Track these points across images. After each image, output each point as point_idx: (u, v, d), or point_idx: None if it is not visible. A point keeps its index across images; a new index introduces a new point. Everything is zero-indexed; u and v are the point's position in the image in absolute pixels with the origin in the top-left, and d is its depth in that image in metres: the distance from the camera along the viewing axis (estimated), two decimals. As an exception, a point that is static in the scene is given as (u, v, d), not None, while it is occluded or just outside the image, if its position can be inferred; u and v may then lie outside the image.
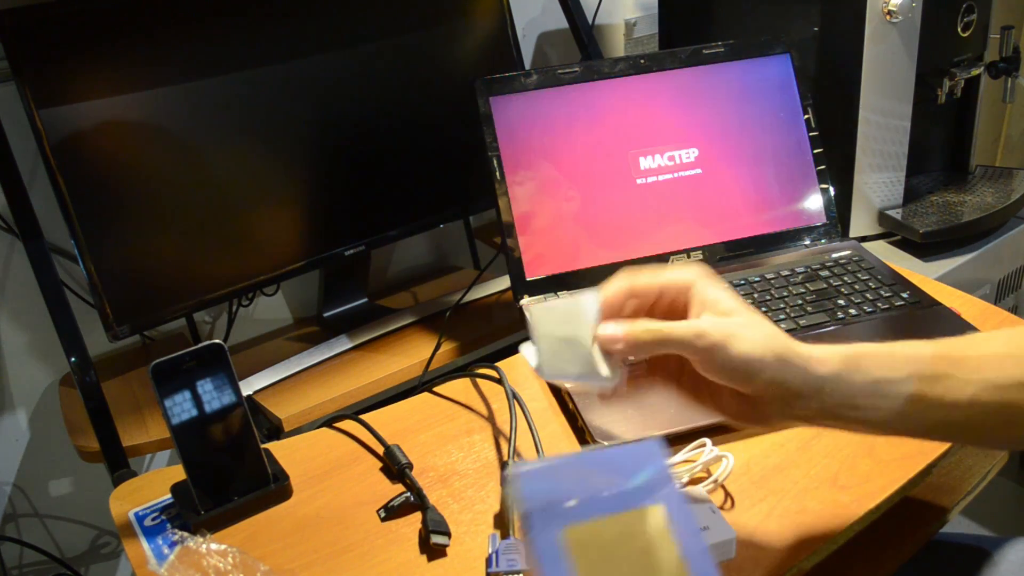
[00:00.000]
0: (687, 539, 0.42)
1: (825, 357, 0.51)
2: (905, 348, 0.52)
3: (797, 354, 0.51)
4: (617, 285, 0.53)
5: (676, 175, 0.92)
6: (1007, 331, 0.54)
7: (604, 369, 0.52)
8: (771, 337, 0.51)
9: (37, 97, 0.81)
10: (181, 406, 0.64)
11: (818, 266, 0.90)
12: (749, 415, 0.54)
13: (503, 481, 0.51)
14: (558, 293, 0.88)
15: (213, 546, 0.61)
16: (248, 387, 0.94)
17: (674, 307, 0.54)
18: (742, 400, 0.53)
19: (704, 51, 0.94)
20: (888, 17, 0.98)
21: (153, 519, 0.68)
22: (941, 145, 1.21)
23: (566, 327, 0.54)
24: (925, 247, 1.05)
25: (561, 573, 0.40)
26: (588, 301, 0.53)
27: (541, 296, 0.87)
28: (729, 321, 0.51)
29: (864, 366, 0.51)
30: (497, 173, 0.87)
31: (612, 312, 0.53)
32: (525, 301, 0.87)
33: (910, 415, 0.51)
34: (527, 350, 0.56)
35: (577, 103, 0.91)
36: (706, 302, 0.52)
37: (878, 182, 1.07)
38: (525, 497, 0.42)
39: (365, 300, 1.13)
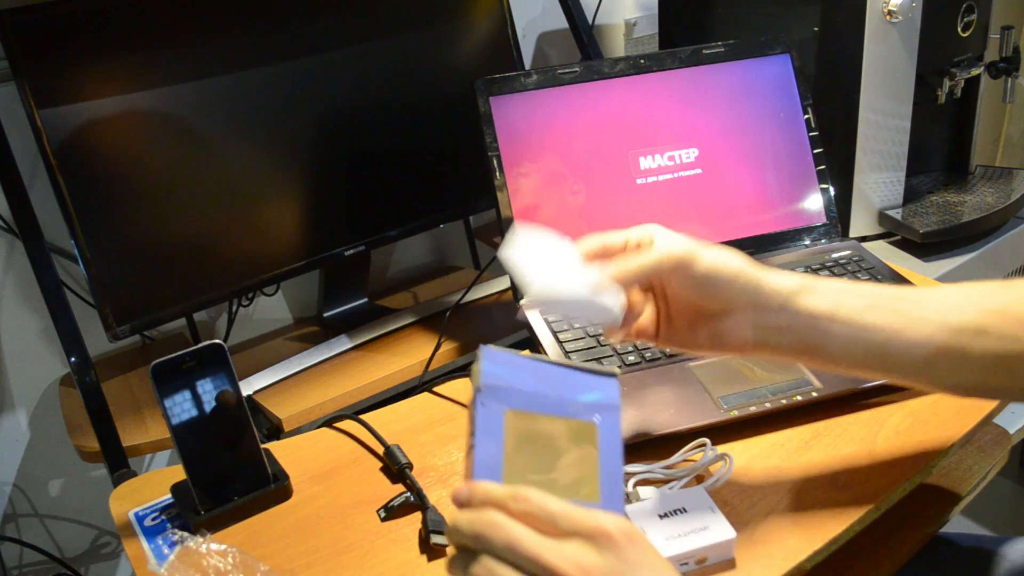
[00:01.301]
0: (607, 460, 0.47)
1: (783, 278, 0.57)
2: (866, 285, 0.56)
3: (756, 269, 0.57)
4: (590, 241, 0.59)
5: (676, 175, 0.92)
6: (970, 284, 0.56)
7: (610, 296, 0.55)
8: (731, 254, 0.57)
9: (37, 97, 0.81)
10: (181, 406, 0.64)
11: (818, 266, 0.90)
12: (726, 341, 0.58)
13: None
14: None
15: (213, 546, 0.61)
16: (248, 387, 0.94)
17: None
18: (717, 328, 0.58)
19: (704, 51, 0.94)
20: (888, 17, 0.98)
21: (153, 519, 0.68)
22: (941, 145, 1.21)
23: (555, 259, 0.57)
24: (925, 247, 1.05)
25: (494, 443, 0.45)
26: (565, 242, 0.57)
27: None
28: (690, 244, 0.57)
29: (821, 290, 0.56)
30: (497, 173, 0.87)
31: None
32: (525, 302, 0.87)
33: (870, 344, 0.54)
34: (513, 257, 0.57)
35: (577, 103, 0.91)
36: (667, 241, 0.58)
37: (878, 182, 1.07)
38: (484, 372, 0.47)
39: (365, 300, 1.13)
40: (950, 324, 0.53)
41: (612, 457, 0.47)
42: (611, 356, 0.78)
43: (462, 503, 0.44)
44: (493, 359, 0.48)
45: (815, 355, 0.56)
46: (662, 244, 0.57)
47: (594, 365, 0.52)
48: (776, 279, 0.57)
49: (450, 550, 0.45)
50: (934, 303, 0.54)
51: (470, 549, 0.43)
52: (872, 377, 0.58)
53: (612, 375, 0.50)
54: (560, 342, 0.80)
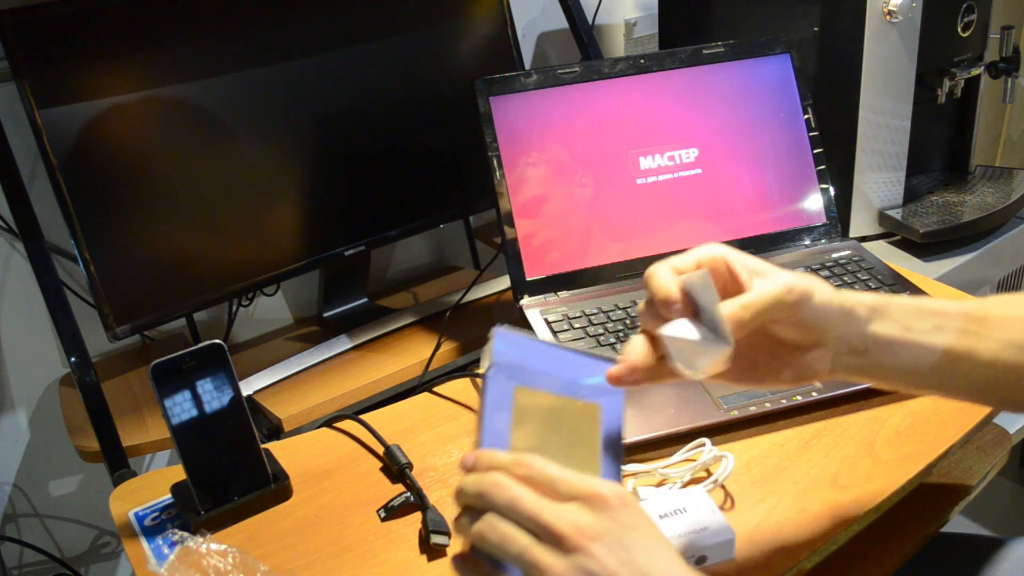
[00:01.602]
0: (608, 440, 0.50)
1: (859, 303, 0.53)
2: (931, 303, 0.54)
3: (841, 297, 0.52)
4: (667, 273, 0.52)
5: (676, 175, 0.92)
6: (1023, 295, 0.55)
7: (728, 335, 0.51)
8: (823, 283, 0.53)
9: (37, 97, 0.81)
10: (181, 406, 0.64)
11: (818, 266, 0.90)
12: (808, 373, 0.54)
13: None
14: (558, 293, 0.87)
15: (213, 546, 0.61)
16: (248, 387, 0.94)
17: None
18: (803, 360, 0.54)
19: (704, 51, 0.94)
20: (888, 17, 0.98)
21: (153, 519, 0.68)
22: (941, 145, 1.21)
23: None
24: (925, 247, 1.05)
25: (502, 416, 0.48)
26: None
27: (541, 296, 0.87)
28: (797, 276, 0.52)
29: (892, 311, 0.53)
30: (497, 173, 0.87)
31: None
32: (525, 301, 0.87)
33: (943, 369, 0.53)
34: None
35: (577, 103, 0.91)
36: (750, 268, 0.52)
37: (878, 182, 1.07)
38: (496, 351, 0.50)
39: (365, 300, 1.13)
40: (1015, 342, 0.52)
41: (612, 438, 0.50)
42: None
43: (468, 468, 0.46)
44: (506, 339, 0.51)
45: (881, 376, 0.55)
46: (765, 280, 0.51)
47: (600, 352, 0.54)
48: (855, 306, 0.53)
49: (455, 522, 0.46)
50: (998, 319, 0.53)
51: (475, 508, 0.45)
52: (932, 395, 0.57)
53: (611, 360, 0.52)
54: (560, 341, 0.80)
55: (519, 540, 0.43)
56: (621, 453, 0.50)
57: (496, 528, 0.44)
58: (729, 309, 0.50)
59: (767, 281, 0.51)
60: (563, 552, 0.42)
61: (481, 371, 0.51)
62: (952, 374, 0.53)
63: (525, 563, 0.43)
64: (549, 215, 0.89)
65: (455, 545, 0.62)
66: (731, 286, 0.52)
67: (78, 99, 0.83)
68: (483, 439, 0.47)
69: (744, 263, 0.52)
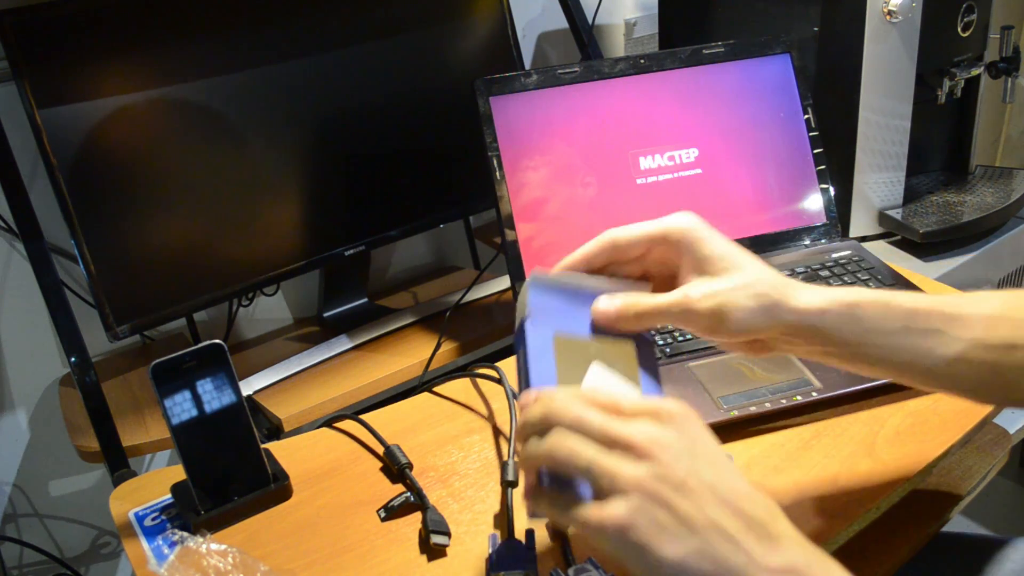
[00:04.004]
0: (647, 373, 0.52)
1: (822, 306, 0.53)
2: (902, 299, 0.54)
3: (792, 309, 0.53)
4: (598, 244, 0.56)
5: (676, 175, 0.92)
6: (1005, 293, 0.55)
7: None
8: (763, 297, 0.52)
9: (37, 97, 0.81)
10: (181, 406, 0.64)
11: (818, 266, 0.90)
12: (754, 349, 0.56)
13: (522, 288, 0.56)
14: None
15: (213, 546, 0.61)
16: (248, 387, 0.94)
17: (665, 261, 0.56)
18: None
19: (704, 51, 0.94)
20: (888, 17, 0.98)
21: (153, 519, 0.68)
22: (941, 145, 1.21)
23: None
24: (925, 247, 1.05)
25: (548, 363, 0.49)
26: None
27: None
28: (718, 287, 0.52)
29: (859, 314, 0.53)
30: (497, 173, 0.87)
31: (594, 269, 0.56)
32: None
33: (902, 362, 0.54)
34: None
35: (577, 103, 0.91)
36: (696, 262, 0.54)
37: (878, 182, 1.07)
38: (531, 302, 0.52)
39: (365, 300, 1.13)
40: (982, 341, 0.52)
41: (650, 370, 0.52)
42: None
43: (530, 403, 0.46)
44: (539, 288, 0.53)
45: (852, 366, 0.56)
46: (686, 286, 0.53)
47: (625, 280, 0.55)
48: (812, 321, 0.53)
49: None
50: (970, 317, 0.53)
51: (541, 434, 0.45)
52: (905, 384, 0.57)
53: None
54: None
55: (588, 450, 0.43)
56: (660, 384, 0.52)
57: (565, 442, 0.44)
58: (625, 303, 0.53)
59: (680, 293, 0.53)
60: (633, 459, 0.42)
61: (517, 320, 0.52)
62: (912, 370, 0.54)
63: (596, 473, 0.43)
64: (549, 215, 0.89)
65: (455, 545, 0.62)
66: (690, 265, 0.54)
67: (78, 99, 0.83)
68: (532, 383, 0.48)
69: (693, 255, 0.54)
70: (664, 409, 0.45)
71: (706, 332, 0.53)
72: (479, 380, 0.82)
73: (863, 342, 0.53)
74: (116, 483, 0.75)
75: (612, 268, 0.57)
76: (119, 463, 0.81)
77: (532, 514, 0.46)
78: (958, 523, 1.50)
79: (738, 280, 0.52)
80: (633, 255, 0.56)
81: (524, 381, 0.49)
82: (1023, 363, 0.52)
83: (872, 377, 0.65)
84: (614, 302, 0.53)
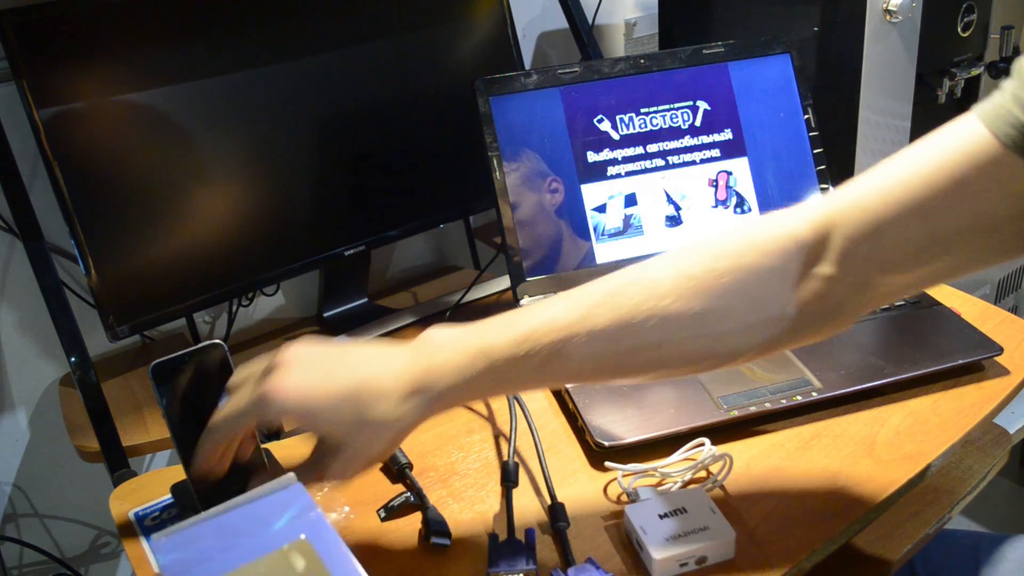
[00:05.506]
0: (333, 559, 0.44)
1: (406, 395, 0.55)
2: (525, 321, 0.56)
3: (377, 421, 0.55)
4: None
5: (676, 175, 0.92)
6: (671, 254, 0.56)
7: None
8: (360, 444, 0.55)
9: (37, 97, 0.81)
10: (181, 406, 0.64)
11: (818, 266, 0.90)
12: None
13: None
14: (558, 293, 0.87)
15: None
16: (248, 387, 0.93)
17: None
18: None
19: (704, 51, 0.94)
20: (888, 17, 0.98)
21: (153, 519, 0.68)
22: (941, 145, 1.20)
23: None
24: (925, 247, 1.05)
25: None
26: None
27: (541, 296, 0.87)
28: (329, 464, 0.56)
29: (492, 371, 0.55)
30: (497, 173, 0.87)
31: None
32: (525, 301, 0.87)
33: (542, 379, 0.57)
34: None
35: (577, 103, 0.91)
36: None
37: (878, 182, 1.07)
38: (164, 567, 0.44)
39: (365, 300, 1.13)
40: (600, 336, 0.54)
41: (336, 554, 0.45)
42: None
43: None
44: (167, 549, 0.46)
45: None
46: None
47: (272, 484, 0.50)
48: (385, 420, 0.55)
49: None
50: (583, 337, 0.54)
51: None
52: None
53: (291, 482, 0.49)
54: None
55: None
56: (351, 560, 0.45)
57: None
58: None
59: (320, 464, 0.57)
60: None
61: None
62: (547, 376, 0.56)
63: None
64: (549, 215, 0.89)
65: (455, 545, 0.62)
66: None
67: (77, 99, 0.83)
68: None
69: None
70: None
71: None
72: (479, 380, 0.81)
73: (496, 388, 0.57)
74: (116, 483, 0.75)
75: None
76: (119, 463, 0.81)
77: None
78: (958, 523, 1.50)
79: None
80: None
81: None
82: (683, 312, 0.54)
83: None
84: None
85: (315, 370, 0.55)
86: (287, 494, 0.48)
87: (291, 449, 0.75)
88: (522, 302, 0.87)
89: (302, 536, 0.46)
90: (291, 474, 0.50)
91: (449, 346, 0.56)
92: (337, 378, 0.55)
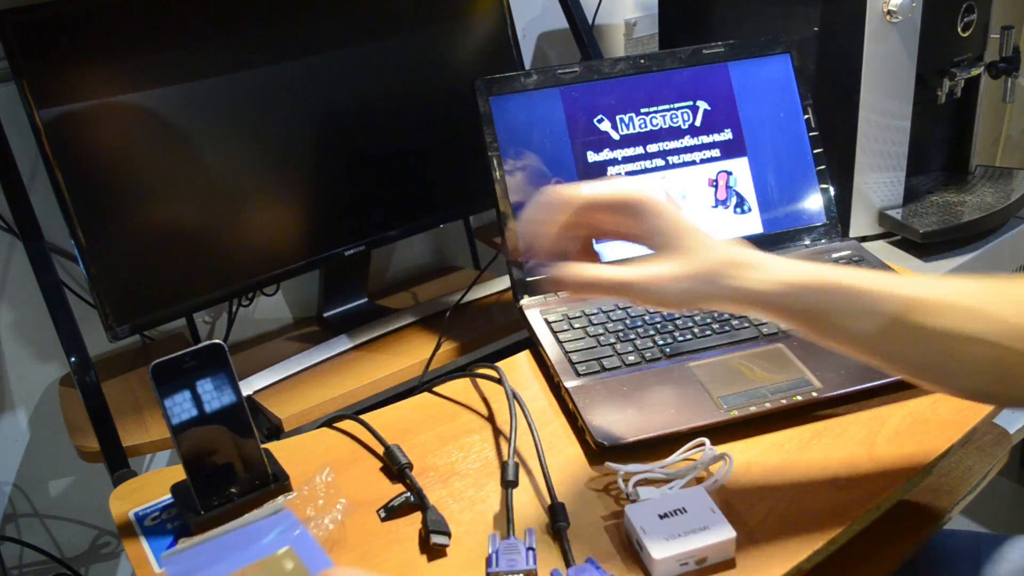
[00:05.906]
0: (313, 561, 0.57)
1: (775, 289, 0.56)
2: (882, 288, 0.55)
3: (739, 290, 0.56)
4: (570, 205, 0.59)
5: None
6: (983, 284, 0.56)
7: None
8: (706, 280, 0.56)
9: (37, 97, 0.81)
10: (181, 406, 0.64)
11: (818, 266, 0.90)
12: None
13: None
14: (558, 293, 0.87)
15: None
16: (248, 387, 0.94)
17: (620, 225, 0.59)
18: None
19: (704, 51, 0.94)
20: (888, 17, 0.98)
21: (153, 519, 0.68)
22: (941, 145, 1.21)
23: None
24: (925, 247, 1.05)
25: None
26: None
27: (541, 296, 0.87)
28: (656, 271, 0.56)
29: (814, 299, 0.55)
30: (497, 173, 0.87)
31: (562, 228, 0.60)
32: (525, 301, 0.87)
33: (861, 342, 0.56)
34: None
35: (577, 103, 0.91)
36: (649, 234, 0.58)
37: (878, 182, 1.07)
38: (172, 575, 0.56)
39: (365, 300, 1.13)
40: (951, 331, 0.54)
41: (317, 559, 0.57)
42: (611, 356, 0.78)
43: None
44: (176, 565, 0.58)
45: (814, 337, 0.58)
46: (630, 267, 0.58)
47: (265, 509, 0.62)
48: (756, 291, 0.56)
49: None
50: (943, 308, 0.54)
51: None
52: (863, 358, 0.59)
53: (279, 508, 0.61)
54: (560, 341, 0.80)
55: None
56: (330, 563, 0.58)
57: None
58: (578, 276, 0.58)
59: (624, 272, 0.57)
60: None
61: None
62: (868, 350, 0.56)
63: None
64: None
65: (455, 545, 0.62)
66: (645, 235, 0.58)
67: (77, 99, 0.83)
68: None
69: (646, 227, 0.57)
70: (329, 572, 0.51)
71: (649, 306, 0.57)
72: (479, 380, 0.82)
73: (827, 323, 0.56)
74: (116, 483, 0.75)
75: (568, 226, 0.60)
76: (119, 463, 0.81)
77: None
78: (958, 523, 1.50)
79: (673, 266, 0.56)
80: (594, 216, 0.59)
81: None
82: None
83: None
84: (570, 272, 0.57)
85: None
86: (277, 517, 0.59)
87: (291, 449, 0.75)
88: (522, 302, 0.87)
89: (288, 546, 0.58)
90: (280, 499, 0.62)
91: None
92: None
